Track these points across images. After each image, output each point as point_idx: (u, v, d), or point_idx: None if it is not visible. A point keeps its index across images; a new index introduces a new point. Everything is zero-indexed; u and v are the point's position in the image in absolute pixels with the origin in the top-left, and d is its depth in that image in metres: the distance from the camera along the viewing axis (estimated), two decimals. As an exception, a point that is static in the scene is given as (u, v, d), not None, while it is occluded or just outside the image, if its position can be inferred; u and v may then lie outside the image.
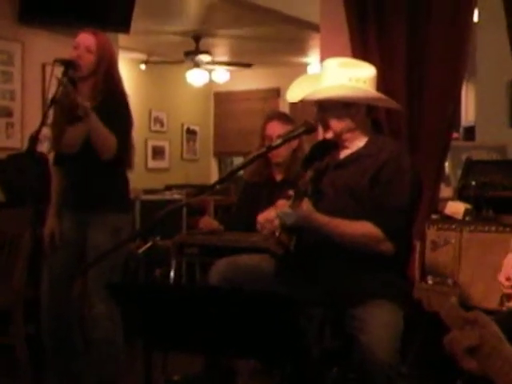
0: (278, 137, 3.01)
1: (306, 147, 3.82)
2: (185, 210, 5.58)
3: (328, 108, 2.93)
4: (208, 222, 4.26)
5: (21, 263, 4.35)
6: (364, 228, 2.82)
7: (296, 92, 3.07)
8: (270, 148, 2.96)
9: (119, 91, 3.67)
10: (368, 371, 2.65)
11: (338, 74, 2.96)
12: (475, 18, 4.61)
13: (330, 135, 2.97)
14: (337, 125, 2.93)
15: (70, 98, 3.38)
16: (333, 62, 3.01)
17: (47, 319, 3.66)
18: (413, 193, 2.91)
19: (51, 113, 3.51)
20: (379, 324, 2.71)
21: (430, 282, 1.91)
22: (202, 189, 3.20)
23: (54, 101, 3.41)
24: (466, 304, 3.73)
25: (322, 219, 2.79)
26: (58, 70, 3.45)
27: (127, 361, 3.69)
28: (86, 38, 3.60)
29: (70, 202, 3.68)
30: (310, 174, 2.91)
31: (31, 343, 4.14)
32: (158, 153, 10.83)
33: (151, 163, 10.71)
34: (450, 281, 1.86)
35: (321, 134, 3.11)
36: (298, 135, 3.05)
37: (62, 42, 3.97)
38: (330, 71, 2.99)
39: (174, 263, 4.26)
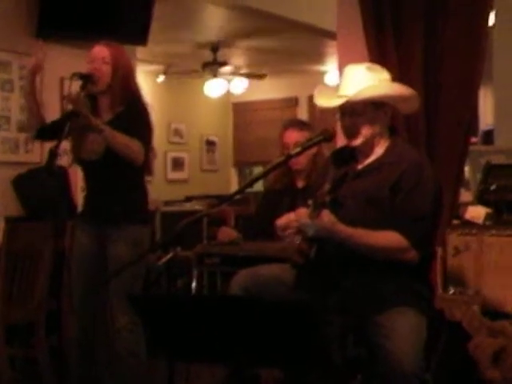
0: (297, 145, 3.00)
1: (326, 153, 3.82)
2: (205, 220, 5.58)
3: (361, 112, 2.89)
4: (226, 232, 4.26)
5: (42, 276, 4.38)
6: (388, 238, 2.81)
7: (324, 99, 3.05)
8: (289, 156, 2.95)
9: (137, 99, 3.67)
10: (393, 378, 2.63)
11: (367, 77, 2.96)
12: (491, 22, 4.59)
13: (359, 142, 2.93)
14: (368, 130, 2.91)
15: (84, 117, 3.40)
16: (359, 67, 3.02)
17: (77, 331, 3.67)
18: (435, 201, 2.90)
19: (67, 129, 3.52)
20: (404, 331, 2.70)
21: (451, 291, 1.91)
22: (221, 199, 3.19)
23: (70, 116, 3.42)
24: (488, 310, 3.71)
25: (346, 230, 2.77)
26: (76, 84, 3.47)
27: (150, 372, 3.69)
28: (101, 50, 3.61)
29: (89, 214, 3.69)
30: (327, 185, 2.89)
31: (54, 355, 4.16)
32: (177, 164, 10.86)
33: (171, 175, 10.74)
34: (470, 290, 1.84)
35: (340, 141, 3.09)
36: (316, 143, 3.04)
37: (79, 56, 3.98)
38: (357, 75, 2.97)
39: (195, 273, 4.26)
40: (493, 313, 3.65)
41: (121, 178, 3.60)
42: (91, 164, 3.61)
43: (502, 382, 1.64)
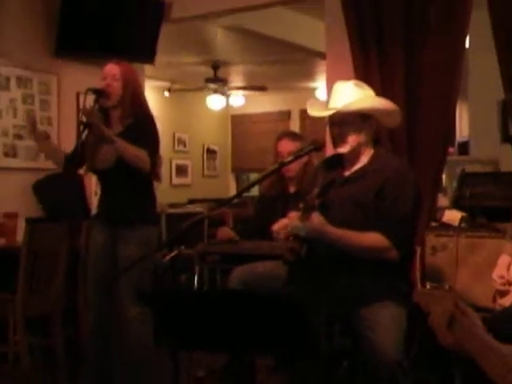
0: (290, 154, 3.01)
1: (315, 161, 3.83)
2: (206, 221, 5.58)
3: (349, 122, 2.90)
4: (225, 232, 4.26)
5: (60, 272, 4.37)
6: (372, 239, 2.81)
7: (317, 111, 3.06)
8: (283, 164, 2.96)
9: (145, 113, 3.67)
10: (375, 366, 2.64)
11: (355, 92, 2.97)
12: (467, 44, 4.60)
13: (346, 149, 2.93)
14: (355, 139, 2.91)
15: (97, 128, 3.41)
16: (348, 83, 3.02)
17: (91, 322, 3.66)
18: (415, 205, 2.90)
19: (84, 136, 3.52)
20: (386, 323, 2.70)
21: (428, 286, 1.91)
22: (220, 202, 3.19)
23: (84, 127, 3.43)
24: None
25: (334, 232, 2.78)
26: (90, 98, 3.48)
27: (156, 360, 3.69)
28: (112, 68, 3.62)
29: (103, 216, 3.68)
30: (316, 190, 2.90)
31: (69, 344, 4.16)
32: (181, 170, 10.86)
33: (175, 180, 10.74)
34: (446, 285, 1.84)
35: (329, 151, 3.10)
36: (307, 152, 3.05)
37: (93, 74, 3.99)
38: (346, 90, 2.97)
39: (197, 270, 4.25)
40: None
41: (131, 184, 3.58)
42: (104, 172, 3.62)
43: (455, 345, 1.65)
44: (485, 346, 1.60)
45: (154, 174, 3.69)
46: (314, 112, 3.06)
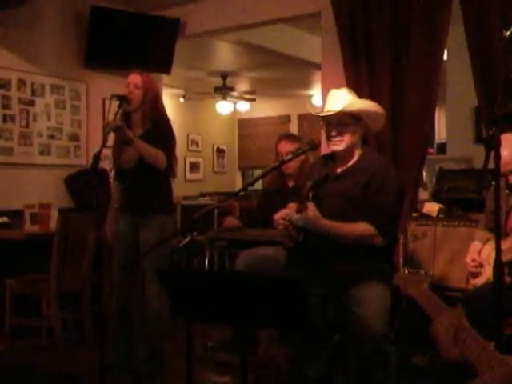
0: (288, 153, 3.00)
1: (311, 159, 3.83)
2: (216, 211, 5.58)
3: (345, 123, 2.89)
4: (230, 221, 4.27)
5: (88, 255, 4.39)
6: (360, 228, 2.81)
7: (318, 111, 3.05)
8: (283, 162, 2.95)
9: (163, 118, 3.67)
10: (363, 337, 2.64)
11: (349, 97, 2.96)
12: (445, 57, 4.60)
13: (341, 147, 2.91)
14: (350, 139, 2.90)
15: (122, 131, 3.42)
16: (342, 90, 3.02)
17: (116, 298, 3.67)
18: (397, 197, 2.91)
19: (110, 137, 3.52)
20: (372, 300, 2.70)
21: (406, 271, 1.89)
22: (228, 195, 3.20)
23: (106, 127, 3.44)
24: (435, 286, 3.72)
25: (327, 223, 2.78)
26: (114, 103, 3.49)
27: (172, 332, 3.70)
28: (134, 77, 3.62)
29: (126, 207, 3.67)
30: (309, 183, 2.90)
31: (96, 318, 4.17)
32: (194, 167, 10.86)
33: (189, 175, 10.74)
34: (422, 271, 1.83)
35: (324, 150, 3.09)
36: (304, 152, 3.05)
37: (118, 82, 4.00)
38: (341, 95, 2.97)
39: (207, 254, 4.26)
40: (440, 288, 3.67)
41: (149, 180, 3.59)
42: (128, 170, 3.63)
43: (461, 358, 1.54)
44: (491, 357, 1.49)
45: (170, 171, 3.70)
46: (315, 111, 3.05)
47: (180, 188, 9.99)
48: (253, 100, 9.95)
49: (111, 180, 3.74)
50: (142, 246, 3.58)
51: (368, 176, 2.87)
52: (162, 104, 3.77)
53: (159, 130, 3.59)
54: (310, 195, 2.83)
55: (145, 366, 3.60)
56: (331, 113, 2.90)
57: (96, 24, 5.36)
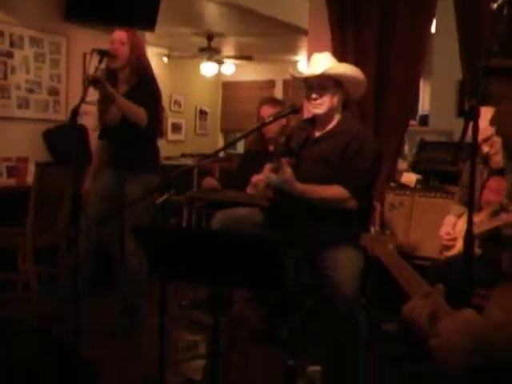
0: (270, 116, 3.01)
1: (293, 124, 3.84)
2: (195, 172, 5.60)
3: (325, 86, 2.91)
4: (209, 181, 4.29)
5: (65, 210, 4.40)
6: (334, 191, 2.84)
7: (298, 73, 3.07)
8: (263, 124, 2.96)
9: (149, 75, 3.68)
10: (335, 300, 2.68)
11: (331, 61, 2.99)
12: (433, 30, 4.60)
13: (321, 110, 2.94)
14: (329, 102, 2.92)
15: (101, 85, 3.40)
16: (324, 53, 3.03)
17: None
18: (373, 163, 2.93)
19: (90, 92, 3.47)
20: (345, 263, 2.75)
21: (372, 232, 1.91)
22: (207, 156, 3.19)
23: (88, 82, 3.40)
24: (411, 255, 3.79)
25: (301, 186, 2.80)
26: (95, 58, 3.45)
27: (147, 289, 3.74)
28: (120, 34, 3.60)
29: (112, 163, 3.69)
30: (282, 138, 2.93)
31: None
32: (176, 128, 10.81)
33: (171, 136, 10.68)
34: (388, 232, 1.86)
35: (306, 114, 3.10)
36: (285, 115, 3.04)
37: (99, 37, 3.95)
38: (323, 59, 2.98)
39: (185, 214, 4.29)
40: (412, 256, 3.74)
41: (135, 138, 3.61)
42: (113, 127, 3.62)
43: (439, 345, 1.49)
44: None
45: (156, 130, 3.70)
46: (296, 73, 3.08)
47: (161, 148, 9.95)
48: (248, 58, 9.80)
49: (91, 136, 3.72)
50: (127, 199, 3.61)
51: (346, 140, 2.90)
52: (148, 61, 3.77)
53: (143, 88, 3.60)
54: (283, 150, 2.86)
55: (121, 320, 3.65)
56: (311, 75, 2.92)
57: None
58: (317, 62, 2.96)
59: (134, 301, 3.67)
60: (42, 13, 5.34)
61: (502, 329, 1.32)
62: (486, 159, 3.07)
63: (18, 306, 4.18)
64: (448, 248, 3.16)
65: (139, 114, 3.50)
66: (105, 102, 3.57)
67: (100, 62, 3.46)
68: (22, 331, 2.42)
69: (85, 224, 3.61)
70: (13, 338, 2.26)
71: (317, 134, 3.02)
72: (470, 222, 2.08)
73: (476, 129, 1.99)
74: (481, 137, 2.84)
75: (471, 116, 1.98)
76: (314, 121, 3.05)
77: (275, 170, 2.80)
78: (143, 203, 3.41)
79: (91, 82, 3.37)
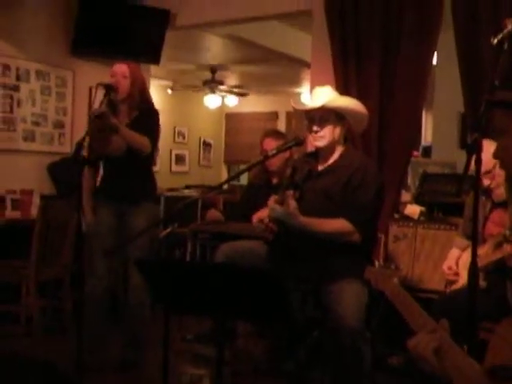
0: (273, 149, 3.03)
1: (296, 157, 3.85)
2: (199, 204, 5.61)
3: (327, 119, 2.92)
4: (213, 214, 4.30)
5: (69, 243, 4.39)
6: (338, 224, 2.84)
7: (300, 105, 3.09)
8: (267, 157, 2.97)
9: (151, 107, 3.71)
10: (339, 333, 2.66)
11: (332, 94, 3.01)
12: (434, 61, 4.64)
13: (322, 143, 2.95)
14: (331, 135, 2.93)
15: (106, 117, 3.43)
16: (326, 87, 3.05)
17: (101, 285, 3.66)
18: (377, 195, 2.93)
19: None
20: (349, 297, 2.73)
21: (376, 265, 1.91)
22: (211, 188, 3.21)
23: (91, 115, 3.43)
24: (416, 288, 3.78)
25: (304, 219, 2.81)
26: (100, 92, 3.49)
27: (151, 322, 3.73)
28: (121, 67, 3.62)
29: (110, 195, 3.67)
30: (288, 170, 2.94)
31: (76, 306, 4.18)
32: (180, 159, 10.87)
33: (174, 167, 10.74)
34: (392, 266, 1.86)
35: (309, 147, 3.12)
36: (288, 148, 3.06)
37: (104, 71, 3.99)
38: (325, 92, 3.00)
39: (189, 246, 4.29)
40: (417, 289, 3.73)
41: (136, 168, 3.63)
42: (115, 158, 3.63)
43: (442, 371, 1.48)
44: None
45: (153, 160, 3.74)
46: (297, 106, 3.10)
47: (165, 180, 9.99)
48: (245, 94, 9.93)
49: (86, 169, 3.68)
50: (131, 232, 3.59)
51: (349, 173, 2.91)
52: (149, 94, 3.80)
53: (146, 118, 3.63)
54: (289, 182, 2.87)
55: (127, 354, 3.63)
56: (312, 107, 2.95)
57: (84, 12, 5.33)
58: (318, 95, 2.99)
59: (138, 333, 3.66)
60: (49, 47, 5.41)
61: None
62: (487, 192, 3.08)
63: (20, 340, 4.15)
64: (451, 283, 3.16)
65: (143, 142, 3.54)
66: (102, 134, 3.58)
67: (105, 96, 3.49)
68: (27, 366, 2.41)
69: (92, 262, 3.59)
70: (18, 373, 2.25)
71: (319, 167, 3.04)
72: (474, 255, 2.08)
73: (479, 162, 2.01)
74: (482, 170, 2.85)
75: (474, 149, 1.99)
76: (317, 154, 3.06)
77: (280, 203, 2.81)
78: (147, 235, 3.42)
79: (99, 115, 3.39)
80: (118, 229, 3.64)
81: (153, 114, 3.69)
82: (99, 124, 3.44)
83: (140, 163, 3.62)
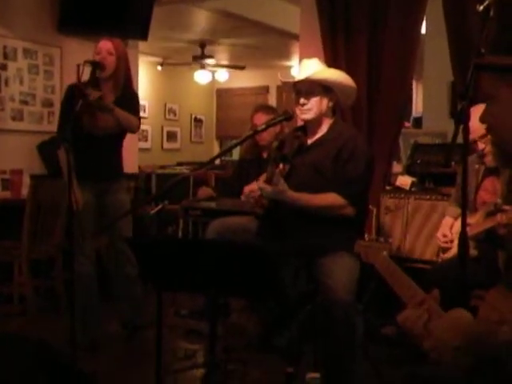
0: (263, 124, 3.00)
1: (286, 131, 3.82)
2: (191, 180, 5.58)
3: (313, 91, 2.89)
4: (204, 190, 4.29)
5: (60, 222, 4.37)
6: (329, 198, 2.83)
7: (287, 78, 3.07)
8: (256, 131, 2.94)
9: (132, 86, 3.74)
10: (330, 306, 2.66)
11: (319, 66, 2.98)
12: (423, 30, 4.60)
13: (309, 116, 2.92)
14: (318, 108, 2.90)
15: (99, 100, 3.40)
16: (313, 59, 3.01)
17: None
18: (367, 168, 2.91)
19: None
20: (341, 270, 2.73)
21: (366, 239, 1.89)
22: (201, 164, 3.18)
23: (88, 96, 3.38)
24: (408, 258, 3.78)
25: (295, 195, 2.80)
26: (87, 69, 3.45)
27: (144, 299, 3.74)
28: (106, 44, 3.58)
29: (91, 174, 3.60)
30: (275, 143, 2.91)
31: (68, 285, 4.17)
32: (171, 136, 10.82)
33: (166, 145, 10.70)
34: (382, 239, 1.83)
35: (299, 121, 3.09)
36: (278, 122, 3.01)
37: (92, 47, 3.94)
38: (312, 64, 2.97)
39: (181, 223, 4.28)
40: (409, 260, 3.74)
41: (116, 146, 3.71)
42: (99, 137, 3.59)
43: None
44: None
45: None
46: (284, 79, 3.07)
47: (157, 157, 9.97)
48: (242, 68, 9.82)
49: (60, 150, 3.58)
50: (117, 209, 3.60)
51: (338, 146, 2.89)
52: (131, 71, 3.77)
53: (129, 99, 3.65)
54: (277, 156, 2.85)
55: (127, 317, 3.73)
56: (296, 80, 2.92)
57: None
58: (305, 68, 2.96)
59: (133, 308, 3.69)
60: (36, 25, 5.33)
61: (492, 326, 1.32)
62: (482, 157, 3.06)
63: (14, 319, 4.15)
64: (445, 250, 3.15)
65: (134, 121, 3.61)
66: (90, 114, 3.52)
67: (93, 73, 3.45)
68: (20, 345, 2.40)
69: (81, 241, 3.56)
70: (11, 352, 2.24)
71: (308, 141, 3.01)
72: (464, 224, 2.06)
73: (467, 131, 1.98)
74: (476, 134, 2.83)
75: (461, 118, 1.97)
76: (306, 128, 3.03)
77: (268, 180, 2.79)
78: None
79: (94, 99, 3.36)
80: (100, 207, 3.63)
81: (135, 94, 3.75)
82: (94, 104, 3.41)
83: (121, 142, 3.70)
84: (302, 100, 2.91)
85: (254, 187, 2.89)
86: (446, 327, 1.37)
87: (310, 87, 2.90)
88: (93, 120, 3.55)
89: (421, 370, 1.64)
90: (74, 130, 3.36)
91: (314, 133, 3.00)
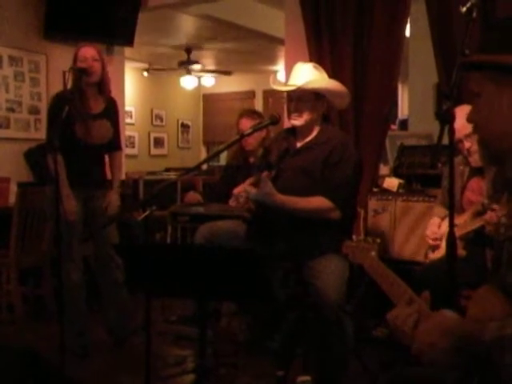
0: (249, 129, 3.00)
1: (272, 135, 3.81)
2: (179, 186, 5.56)
3: (305, 99, 2.89)
4: (192, 196, 4.28)
5: (47, 230, 4.34)
6: (316, 202, 2.82)
7: (279, 86, 3.06)
8: (242, 136, 2.92)
9: (110, 91, 3.70)
10: (320, 307, 2.66)
11: (313, 73, 2.96)
12: (407, 33, 4.61)
13: (300, 122, 2.92)
14: (309, 114, 2.90)
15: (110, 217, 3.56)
16: (307, 64, 3.01)
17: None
18: (355, 172, 2.91)
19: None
20: (330, 272, 2.73)
21: (354, 239, 1.89)
22: (188, 170, 3.15)
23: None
24: (396, 259, 3.79)
25: (282, 198, 2.78)
26: (72, 76, 3.45)
27: (133, 305, 3.72)
28: (90, 50, 3.54)
29: (80, 182, 3.57)
30: (260, 151, 2.91)
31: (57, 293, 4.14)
32: (158, 142, 10.80)
33: (153, 151, 10.68)
34: (370, 239, 1.83)
35: (286, 125, 3.10)
36: (264, 126, 3.00)
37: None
38: (305, 70, 2.96)
39: (169, 228, 4.26)
40: (398, 261, 3.74)
41: (103, 153, 3.72)
42: (93, 146, 3.57)
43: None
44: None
45: None
46: (277, 87, 3.06)
47: (144, 163, 9.95)
48: (228, 73, 9.82)
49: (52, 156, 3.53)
50: (100, 214, 3.61)
51: (327, 151, 2.89)
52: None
53: (115, 110, 3.70)
54: (262, 163, 2.85)
55: (115, 330, 3.69)
56: (290, 88, 2.91)
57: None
58: (299, 73, 2.96)
59: (122, 315, 3.67)
60: (21, 31, 5.30)
61: (480, 325, 1.31)
62: (467, 158, 3.07)
63: (2, 327, 4.12)
64: (434, 249, 3.15)
65: (121, 159, 3.86)
66: (83, 122, 3.51)
67: (79, 80, 3.43)
68: (9, 352, 2.38)
69: (69, 248, 3.54)
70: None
71: (298, 144, 3.01)
72: (451, 224, 2.06)
73: (452, 132, 1.99)
74: (462, 134, 2.84)
75: (446, 119, 1.97)
76: (295, 131, 3.03)
77: (255, 184, 2.79)
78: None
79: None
80: (87, 213, 3.62)
81: (115, 102, 3.74)
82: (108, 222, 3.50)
83: (108, 149, 3.72)
84: (293, 107, 2.91)
85: (241, 189, 2.88)
86: (433, 329, 1.37)
87: (302, 95, 2.90)
88: (86, 129, 3.53)
89: (407, 370, 1.64)
90: (66, 138, 3.36)
91: (304, 136, 3.00)
